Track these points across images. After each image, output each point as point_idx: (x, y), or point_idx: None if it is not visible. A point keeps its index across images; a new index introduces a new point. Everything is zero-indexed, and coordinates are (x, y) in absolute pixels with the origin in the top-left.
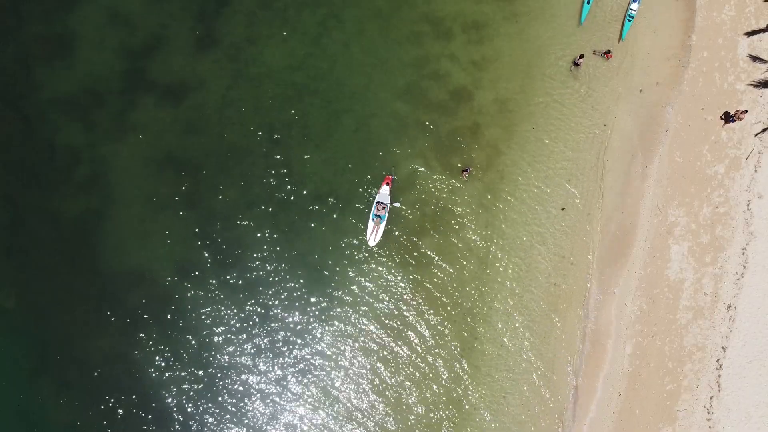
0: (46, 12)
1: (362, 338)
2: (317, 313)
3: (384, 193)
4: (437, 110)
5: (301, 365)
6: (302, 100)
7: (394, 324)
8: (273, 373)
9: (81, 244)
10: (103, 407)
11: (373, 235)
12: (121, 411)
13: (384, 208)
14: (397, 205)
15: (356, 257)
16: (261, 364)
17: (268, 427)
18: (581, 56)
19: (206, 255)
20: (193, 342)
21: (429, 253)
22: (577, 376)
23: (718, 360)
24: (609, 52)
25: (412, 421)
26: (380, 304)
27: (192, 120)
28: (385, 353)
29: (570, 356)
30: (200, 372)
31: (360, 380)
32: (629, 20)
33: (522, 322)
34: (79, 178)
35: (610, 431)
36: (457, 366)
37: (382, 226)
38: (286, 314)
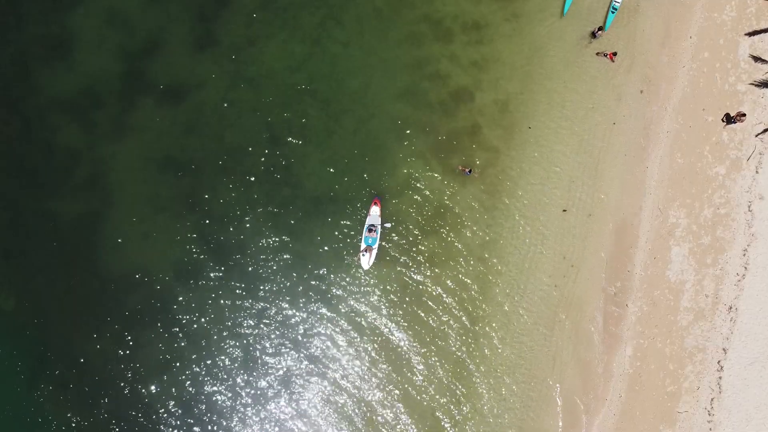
0: (45, 12)
1: (362, 338)
2: (318, 313)
3: (374, 215)
4: (437, 111)
5: (302, 365)
6: (301, 101)
7: (395, 327)
8: (273, 375)
9: (81, 245)
10: (102, 408)
11: (366, 258)
12: (121, 411)
13: (375, 230)
14: (388, 226)
15: (355, 260)
16: (261, 365)
17: (268, 428)
18: (600, 28)
19: (205, 256)
20: (193, 343)
21: (428, 254)
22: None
23: (719, 361)
24: (614, 54)
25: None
26: (381, 304)
27: (191, 121)
28: (383, 356)
29: (570, 358)
30: (200, 372)
31: (361, 382)
32: (613, 12)
33: (522, 325)
34: (78, 179)
35: None
36: (457, 369)
37: (375, 248)
38: (286, 314)
